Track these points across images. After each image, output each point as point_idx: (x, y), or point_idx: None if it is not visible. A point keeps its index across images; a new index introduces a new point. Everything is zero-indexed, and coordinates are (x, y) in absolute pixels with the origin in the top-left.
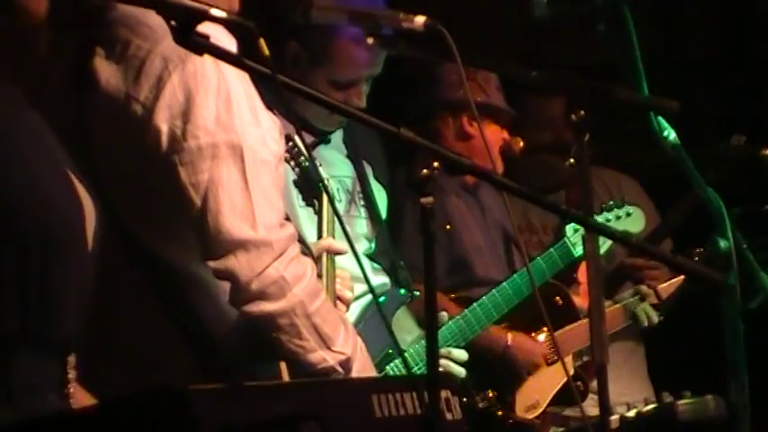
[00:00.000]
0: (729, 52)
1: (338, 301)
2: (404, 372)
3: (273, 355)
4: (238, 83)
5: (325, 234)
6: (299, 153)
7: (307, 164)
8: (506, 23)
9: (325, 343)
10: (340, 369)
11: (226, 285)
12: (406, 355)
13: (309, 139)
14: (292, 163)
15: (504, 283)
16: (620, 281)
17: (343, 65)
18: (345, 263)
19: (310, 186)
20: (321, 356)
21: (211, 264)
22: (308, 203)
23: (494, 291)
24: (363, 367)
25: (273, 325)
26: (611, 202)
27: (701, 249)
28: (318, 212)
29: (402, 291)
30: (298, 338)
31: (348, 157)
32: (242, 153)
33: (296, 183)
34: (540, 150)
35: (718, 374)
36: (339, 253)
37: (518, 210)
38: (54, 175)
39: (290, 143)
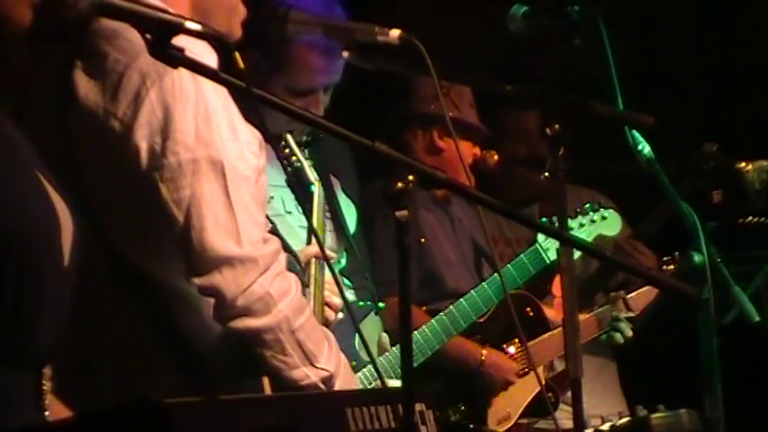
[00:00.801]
0: (705, 65)
1: (326, 307)
2: (369, 384)
3: (257, 370)
4: (217, 97)
5: (313, 240)
6: (292, 152)
7: (298, 164)
8: (484, 37)
9: (309, 359)
10: (322, 386)
11: (210, 300)
12: (370, 368)
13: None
14: (285, 162)
15: (473, 291)
16: (594, 290)
17: (299, 72)
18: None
19: (302, 186)
20: (304, 373)
21: (196, 280)
22: (300, 203)
23: (461, 300)
24: (346, 383)
25: (258, 341)
26: (587, 206)
27: (670, 258)
28: (308, 214)
29: (361, 303)
30: (282, 354)
31: (314, 169)
32: (223, 168)
33: (288, 182)
34: (516, 163)
35: (692, 388)
36: (327, 258)
37: (491, 222)
38: (30, 187)
39: (282, 143)
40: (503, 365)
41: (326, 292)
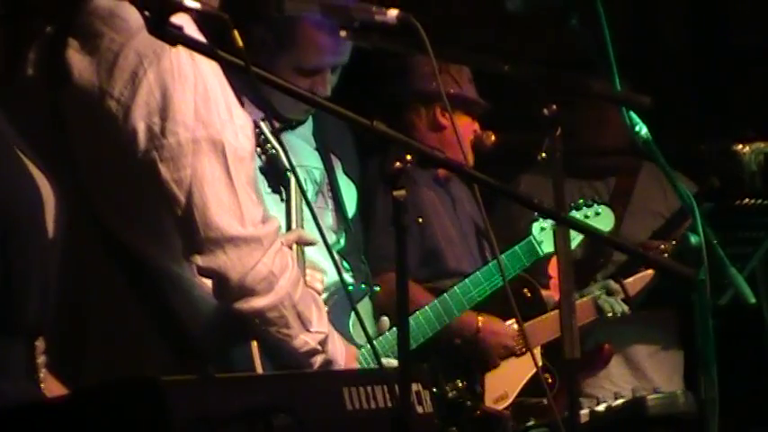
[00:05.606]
0: (701, 46)
1: None
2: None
3: (245, 338)
4: (214, 79)
5: (294, 224)
6: (266, 140)
7: (273, 151)
8: (480, 16)
9: (305, 326)
10: (320, 348)
11: (204, 282)
12: (364, 351)
13: (277, 126)
14: (258, 150)
15: (467, 279)
16: (589, 274)
17: (308, 51)
18: (312, 254)
19: (277, 174)
20: (303, 340)
21: (199, 260)
22: (275, 191)
23: (455, 288)
24: (335, 341)
25: (263, 320)
26: (581, 201)
27: (672, 243)
28: (286, 201)
29: (362, 286)
30: (285, 328)
31: (317, 149)
32: (223, 148)
33: (262, 170)
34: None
35: (687, 369)
36: (309, 243)
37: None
38: (8, 161)
39: (257, 129)
40: (499, 331)
41: (308, 277)
